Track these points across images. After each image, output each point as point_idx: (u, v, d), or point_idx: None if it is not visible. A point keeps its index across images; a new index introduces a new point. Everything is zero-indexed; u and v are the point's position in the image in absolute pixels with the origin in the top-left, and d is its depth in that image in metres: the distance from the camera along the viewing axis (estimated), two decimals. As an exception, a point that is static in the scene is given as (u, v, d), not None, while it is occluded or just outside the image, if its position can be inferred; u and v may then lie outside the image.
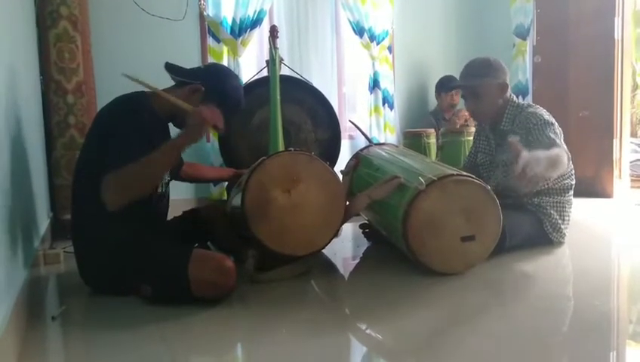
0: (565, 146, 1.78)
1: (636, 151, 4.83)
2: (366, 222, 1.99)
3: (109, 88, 1.53)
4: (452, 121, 3.15)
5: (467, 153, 2.56)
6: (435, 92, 3.30)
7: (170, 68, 1.46)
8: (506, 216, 1.51)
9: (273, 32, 2.18)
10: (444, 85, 3.20)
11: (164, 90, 1.44)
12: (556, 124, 1.76)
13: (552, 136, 1.63)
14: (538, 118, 1.70)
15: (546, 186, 1.76)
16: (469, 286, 1.41)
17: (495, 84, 1.78)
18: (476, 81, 1.78)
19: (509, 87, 1.82)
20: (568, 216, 1.83)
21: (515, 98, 1.84)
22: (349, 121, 2.26)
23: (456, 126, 3.05)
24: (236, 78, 1.57)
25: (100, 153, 1.32)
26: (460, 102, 3.24)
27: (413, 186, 1.45)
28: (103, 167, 1.25)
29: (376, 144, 2.15)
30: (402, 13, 3.28)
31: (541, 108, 1.80)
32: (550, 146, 1.55)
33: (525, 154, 1.30)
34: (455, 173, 1.49)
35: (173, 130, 1.55)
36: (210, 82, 1.43)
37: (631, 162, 3.49)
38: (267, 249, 1.47)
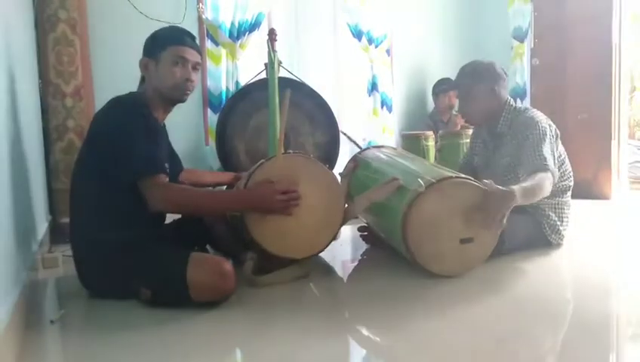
0: (562, 150, 1.79)
1: (635, 153, 4.84)
2: (364, 224, 1.99)
3: (107, 92, 1.53)
4: (453, 122, 3.15)
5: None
6: (432, 94, 3.32)
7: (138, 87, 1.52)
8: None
9: (272, 35, 2.19)
10: (442, 87, 3.22)
11: (139, 91, 1.48)
12: (553, 126, 1.76)
13: (545, 153, 1.63)
14: (535, 125, 1.69)
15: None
16: (467, 288, 1.41)
17: (485, 88, 1.78)
18: (467, 83, 1.80)
19: (501, 93, 1.80)
20: (567, 217, 1.83)
21: (512, 101, 1.84)
22: (341, 131, 2.25)
23: (457, 126, 3.05)
24: (162, 28, 1.57)
25: (104, 156, 1.32)
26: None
27: (412, 188, 1.45)
28: (120, 171, 1.30)
29: (374, 147, 2.15)
30: (401, 16, 3.29)
31: (538, 111, 1.80)
32: (537, 170, 1.59)
33: (499, 193, 1.42)
34: (454, 175, 1.50)
35: (175, 125, 1.57)
36: (147, 48, 1.46)
37: (630, 163, 3.51)
38: (266, 252, 1.47)
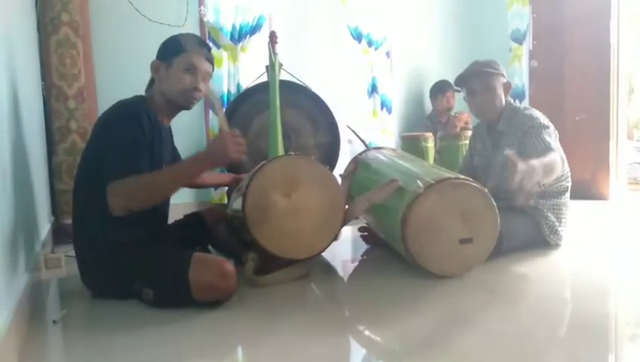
0: (560, 149, 1.81)
1: (634, 154, 4.85)
2: (365, 225, 2.00)
3: (110, 93, 1.55)
4: (452, 124, 3.16)
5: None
6: (430, 96, 3.33)
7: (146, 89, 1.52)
8: (504, 218, 1.52)
9: (272, 37, 2.21)
10: (439, 89, 3.23)
11: (147, 94, 1.50)
12: (552, 126, 1.78)
13: (548, 139, 1.66)
14: (534, 120, 1.73)
15: (542, 189, 1.78)
16: (466, 289, 1.42)
17: (503, 81, 1.83)
18: (489, 72, 1.80)
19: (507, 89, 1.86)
20: (565, 218, 1.84)
21: (512, 100, 1.87)
22: (347, 126, 2.27)
23: (457, 129, 3.07)
24: (183, 33, 1.56)
25: (100, 158, 1.33)
26: (457, 106, 3.26)
27: (411, 190, 1.47)
28: (104, 173, 1.28)
29: (374, 148, 2.17)
30: (400, 18, 3.31)
31: (536, 110, 1.83)
32: (545, 151, 1.59)
33: (522, 166, 1.31)
34: (453, 176, 1.51)
35: (177, 127, 1.57)
36: (161, 51, 1.47)
37: (628, 164, 3.52)
38: (267, 252, 1.48)
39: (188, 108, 1.48)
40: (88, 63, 2.22)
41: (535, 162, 1.38)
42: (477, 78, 1.81)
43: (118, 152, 1.30)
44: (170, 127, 1.57)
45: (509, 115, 1.82)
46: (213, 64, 1.50)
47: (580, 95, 3.08)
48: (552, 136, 1.72)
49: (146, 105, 1.41)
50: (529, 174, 1.32)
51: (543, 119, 1.76)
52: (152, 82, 1.50)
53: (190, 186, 1.85)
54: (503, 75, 1.84)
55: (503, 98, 1.83)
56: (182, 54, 1.42)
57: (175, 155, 1.65)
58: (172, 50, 1.44)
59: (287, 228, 1.49)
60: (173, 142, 1.62)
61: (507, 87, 1.84)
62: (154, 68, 1.45)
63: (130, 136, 1.32)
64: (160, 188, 1.33)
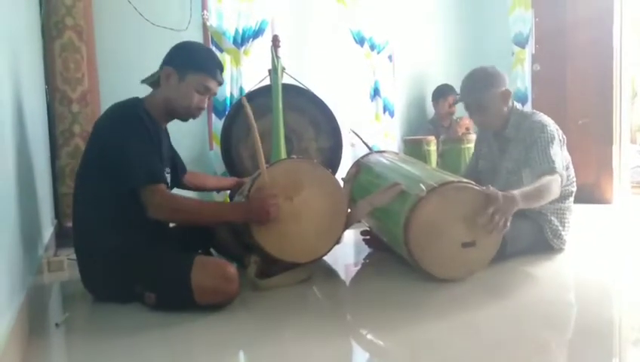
0: (567, 156, 1.80)
1: (637, 157, 4.83)
2: (367, 228, 2.00)
3: (113, 97, 1.56)
4: (453, 130, 3.17)
5: (467, 160, 2.58)
6: (433, 100, 3.33)
7: (145, 80, 1.52)
8: (507, 222, 1.51)
9: (275, 41, 2.22)
10: (442, 93, 3.23)
11: (148, 96, 1.49)
12: (560, 132, 1.78)
13: (554, 156, 1.65)
14: (543, 128, 1.71)
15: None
16: (469, 293, 1.42)
17: (498, 93, 1.78)
18: (479, 93, 1.78)
19: (508, 94, 1.83)
20: (569, 222, 1.84)
21: (518, 105, 1.86)
22: (351, 130, 2.27)
23: (458, 134, 3.07)
24: (200, 44, 1.58)
25: (105, 162, 1.34)
26: (459, 111, 3.26)
27: (414, 193, 1.46)
28: (126, 178, 1.31)
29: (376, 151, 2.17)
30: (403, 22, 3.31)
31: (544, 115, 1.81)
32: (545, 172, 1.61)
33: (500, 199, 1.43)
34: (455, 180, 1.51)
35: (179, 131, 1.57)
36: (178, 60, 1.45)
37: (632, 168, 3.51)
38: (269, 255, 1.48)
39: (185, 121, 1.51)
40: (92, 67, 2.23)
41: (517, 193, 1.48)
42: (470, 98, 1.81)
43: (139, 158, 1.32)
44: (166, 128, 1.57)
45: (517, 121, 1.79)
46: (221, 84, 1.53)
47: (582, 99, 3.07)
48: (560, 147, 1.71)
49: (142, 107, 1.42)
50: (508, 207, 1.44)
51: (552, 126, 1.74)
52: (155, 84, 1.50)
53: (193, 189, 1.85)
54: (498, 86, 1.78)
55: (502, 109, 1.80)
56: (200, 73, 1.43)
57: (174, 156, 1.65)
58: (190, 64, 1.43)
59: (290, 232, 1.49)
60: (170, 143, 1.62)
61: (506, 95, 1.80)
62: (165, 74, 1.44)
63: (144, 139, 1.34)
64: (200, 218, 1.44)
